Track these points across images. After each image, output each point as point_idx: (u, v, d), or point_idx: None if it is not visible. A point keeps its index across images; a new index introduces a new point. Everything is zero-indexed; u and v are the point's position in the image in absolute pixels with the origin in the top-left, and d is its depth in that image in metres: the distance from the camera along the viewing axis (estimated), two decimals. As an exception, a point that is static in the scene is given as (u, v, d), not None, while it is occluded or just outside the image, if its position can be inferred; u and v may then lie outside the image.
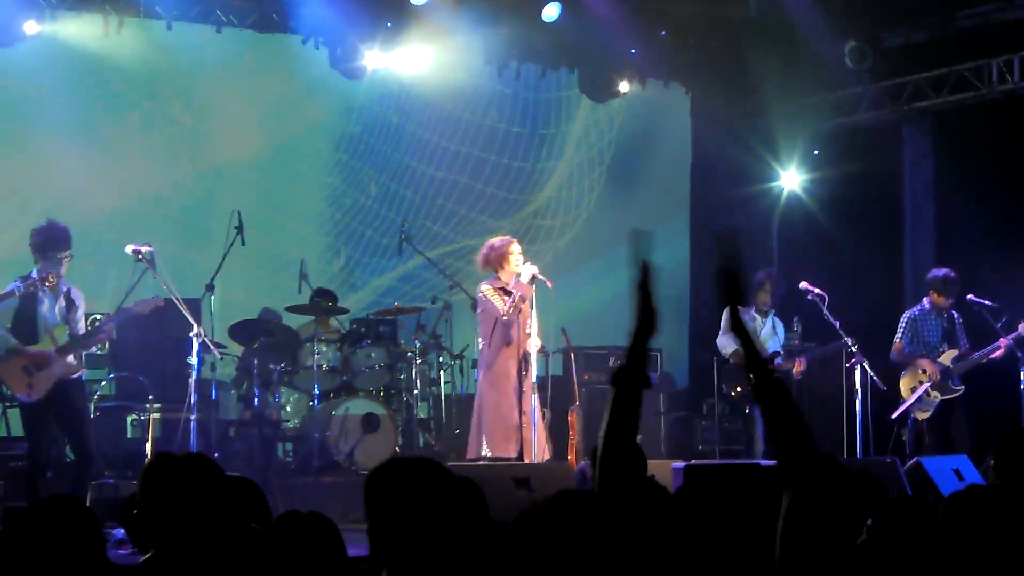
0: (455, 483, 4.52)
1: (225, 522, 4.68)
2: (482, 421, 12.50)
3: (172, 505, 4.66)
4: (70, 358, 11.38)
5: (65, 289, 11.47)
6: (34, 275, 11.15)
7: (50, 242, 11.30)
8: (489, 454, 12.27)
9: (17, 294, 11.18)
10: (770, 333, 13.80)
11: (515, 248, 12.63)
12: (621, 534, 4.11)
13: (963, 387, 13.79)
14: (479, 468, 11.25)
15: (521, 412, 12.27)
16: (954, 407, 13.79)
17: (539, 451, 12.27)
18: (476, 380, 13.14)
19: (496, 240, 12.82)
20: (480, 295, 12.64)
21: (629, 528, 4.17)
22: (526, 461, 11.99)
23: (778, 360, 13.60)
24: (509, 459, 12.07)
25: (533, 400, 12.21)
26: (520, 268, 12.48)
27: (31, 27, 14.29)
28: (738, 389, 13.82)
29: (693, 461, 12.22)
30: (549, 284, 12.49)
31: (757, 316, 13.80)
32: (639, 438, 7.71)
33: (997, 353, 13.73)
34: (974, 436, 13.52)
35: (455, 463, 11.61)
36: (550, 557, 4.03)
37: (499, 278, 12.57)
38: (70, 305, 11.47)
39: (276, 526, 4.69)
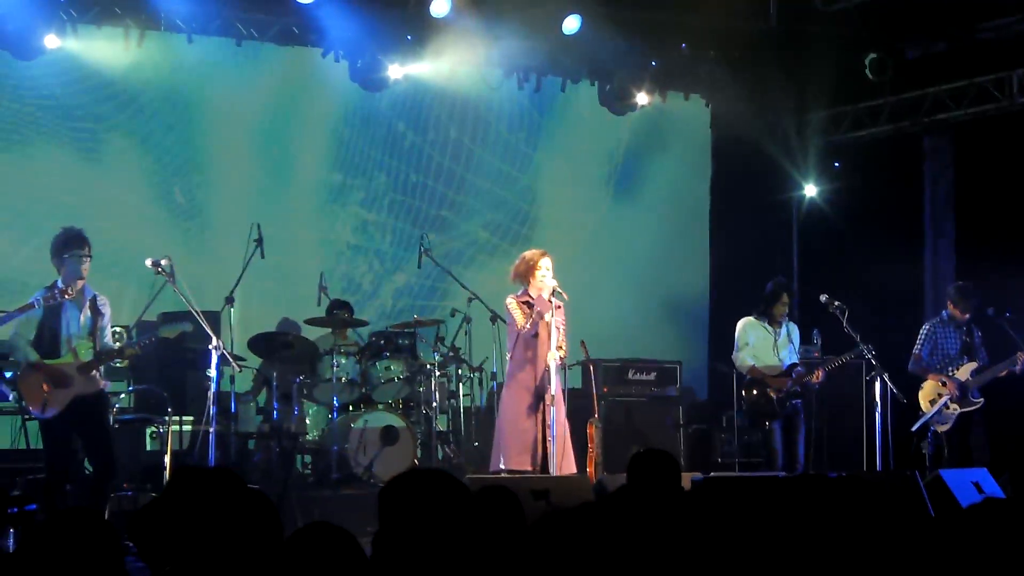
0: (468, 495, 4.53)
1: (244, 536, 4.67)
2: (501, 434, 12.46)
3: (196, 518, 4.64)
4: (92, 374, 11.28)
5: (90, 297, 11.33)
6: (59, 285, 11.10)
7: (65, 244, 11.22)
8: (505, 467, 12.22)
9: (37, 305, 11.13)
10: (785, 342, 13.71)
11: (544, 262, 12.52)
12: (634, 545, 4.11)
13: (982, 399, 13.75)
14: (497, 480, 11.21)
15: (545, 426, 12.20)
16: (973, 420, 13.74)
17: (560, 465, 12.21)
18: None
19: (529, 252, 12.76)
20: (505, 307, 12.62)
21: (642, 539, 4.17)
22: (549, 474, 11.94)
23: (797, 370, 13.54)
24: (525, 472, 12.03)
25: (553, 413, 12.15)
26: (545, 283, 12.41)
27: (51, 41, 14.34)
28: (756, 401, 13.74)
29: (712, 473, 12.19)
30: (565, 297, 12.44)
31: (768, 327, 13.72)
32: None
33: (1016, 368, 13.69)
34: (994, 449, 13.48)
35: (472, 475, 11.59)
36: (566, 568, 4.03)
37: (527, 291, 12.52)
38: (96, 314, 11.32)
39: (296, 538, 4.68)
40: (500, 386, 13.90)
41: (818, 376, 13.59)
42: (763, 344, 13.67)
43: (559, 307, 12.43)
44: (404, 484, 4.54)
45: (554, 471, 12.00)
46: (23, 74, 14.67)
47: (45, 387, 11.02)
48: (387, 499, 4.50)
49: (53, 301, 11.07)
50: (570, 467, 12.32)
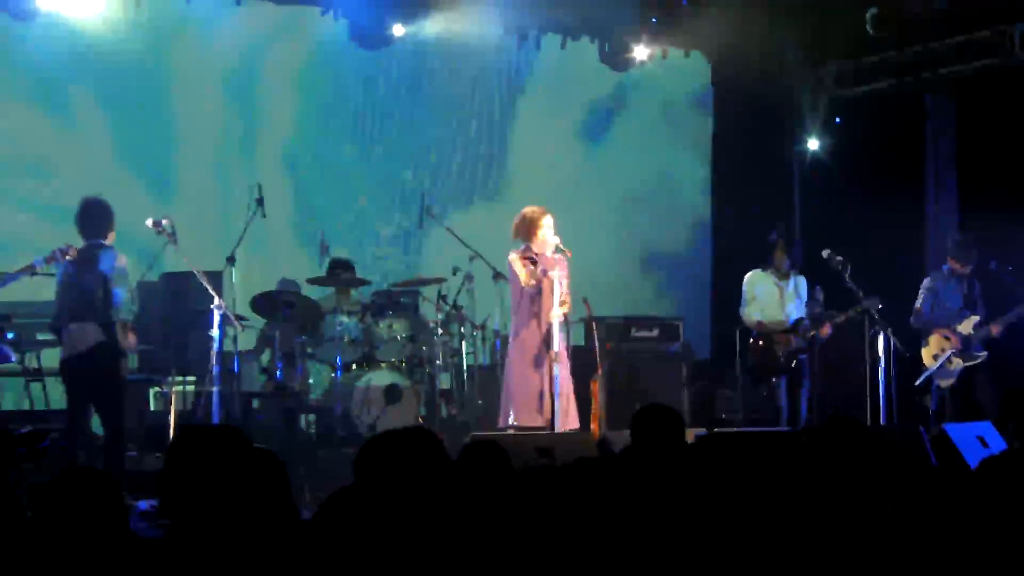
0: (443, 451, 4.54)
1: (251, 496, 4.68)
2: (509, 390, 12.48)
3: (201, 477, 4.66)
4: None
5: None
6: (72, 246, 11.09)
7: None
8: (516, 423, 12.25)
9: (39, 267, 11.12)
10: (792, 295, 13.67)
11: (546, 221, 12.53)
12: (637, 499, 4.13)
13: (986, 353, 13.74)
14: (502, 437, 11.24)
15: (550, 381, 12.23)
16: (978, 373, 13.74)
17: (567, 421, 12.24)
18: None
19: (529, 209, 12.74)
20: (508, 263, 12.63)
21: (646, 492, 4.18)
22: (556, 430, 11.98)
23: (803, 325, 13.52)
24: (536, 428, 12.06)
25: (556, 370, 12.17)
26: (548, 240, 12.42)
27: (47, 1, 14.22)
28: (761, 357, 13.75)
29: (716, 429, 12.21)
30: (568, 254, 12.45)
31: (776, 279, 13.70)
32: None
33: (996, 329, 13.71)
34: (1001, 401, 13.44)
35: (477, 433, 11.61)
36: (564, 520, 4.05)
37: (529, 247, 12.53)
38: None
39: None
40: (504, 343, 13.90)
41: (825, 331, 13.57)
42: (769, 298, 13.65)
43: (562, 262, 12.45)
44: (379, 446, 4.56)
45: (563, 428, 12.05)
46: (18, 36, 14.57)
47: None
48: (363, 462, 4.52)
49: (55, 262, 11.06)
50: (573, 423, 12.36)
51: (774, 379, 13.55)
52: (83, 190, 11.70)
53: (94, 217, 11.31)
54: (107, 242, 11.25)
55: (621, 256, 17.92)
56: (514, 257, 12.51)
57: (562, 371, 12.35)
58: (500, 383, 12.91)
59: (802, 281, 13.85)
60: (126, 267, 11.23)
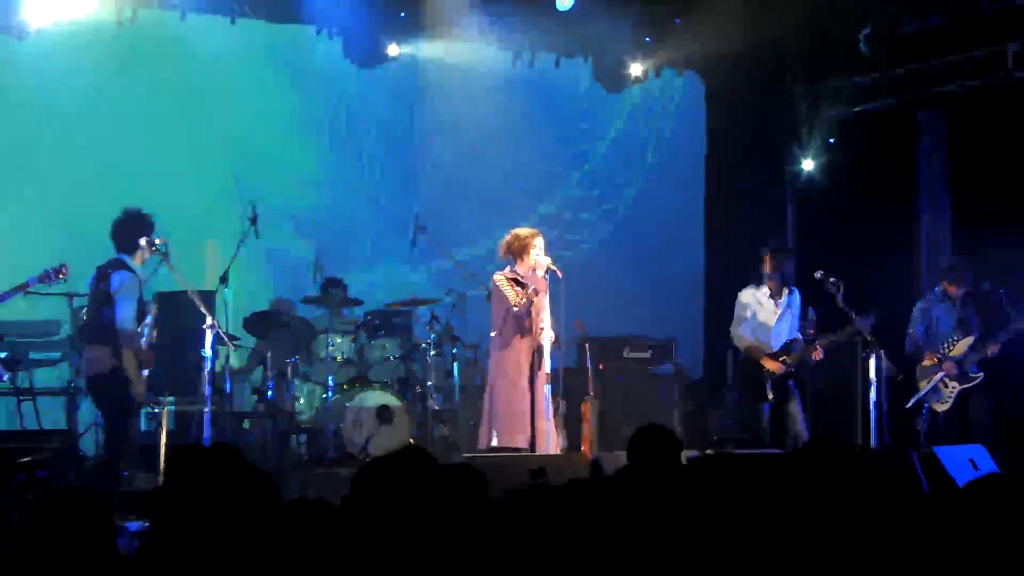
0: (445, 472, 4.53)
1: (245, 514, 4.66)
2: (492, 411, 12.37)
3: (194, 497, 4.64)
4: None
5: None
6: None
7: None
8: (499, 444, 12.18)
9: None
10: (785, 313, 13.41)
11: (539, 242, 12.46)
12: (632, 520, 4.11)
13: (982, 374, 13.69)
14: (494, 459, 11.19)
15: (534, 403, 12.18)
16: (973, 395, 13.67)
17: (552, 442, 12.19)
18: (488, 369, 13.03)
19: (523, 230, 12.65)
20: (493, 284, 12.56)
21: (639, 513, 4.17)
22: (538, 452, 11.91)
23: (793, 348, 13.38)
24: (519, 450, 11.99)
25: (546, 391, 12.12)
26: (539, 261, 12.35)
27: (37, 18, 14.14)
28: (749, 381, 13.64)
29: (708, 451, 12.15)
30: (559, 274, 12.39)
31: (770, 297, 13.49)
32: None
33: (992, 349, 13.68)
34: (996, 422, 13.39)
35: (469, 455, 11.57)
36: (558, 540, 4.03)
37: (515, 268, 12.47)
38: None
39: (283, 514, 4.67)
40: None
41: (816, 355, 13.42)
42: (760, 316, 13.46)
43: (544, 283, 12.40)
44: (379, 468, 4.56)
45: (548, 449, 11.98)
46: (14, 53, 14.55)
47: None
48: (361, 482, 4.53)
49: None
50: (556, 447, 12.31)
51: (759, 403, 13.39)
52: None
53: (120, 230, 11.29)
54: (133, 258, 11.20)
55: (617, 276, 17.88)
56: (499, 278, 12.42)
57: (549, 392, 12.31)
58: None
59: (797, 298, 13.62)
60: (131, 286, 11.15)
